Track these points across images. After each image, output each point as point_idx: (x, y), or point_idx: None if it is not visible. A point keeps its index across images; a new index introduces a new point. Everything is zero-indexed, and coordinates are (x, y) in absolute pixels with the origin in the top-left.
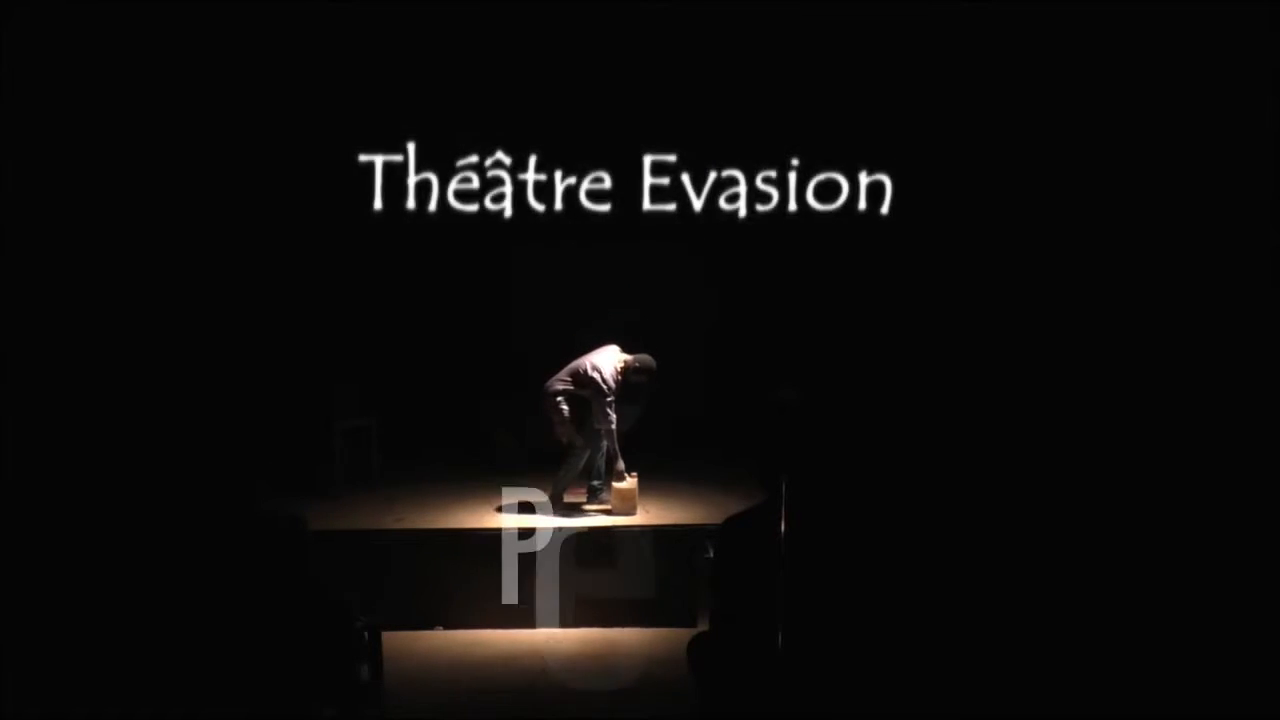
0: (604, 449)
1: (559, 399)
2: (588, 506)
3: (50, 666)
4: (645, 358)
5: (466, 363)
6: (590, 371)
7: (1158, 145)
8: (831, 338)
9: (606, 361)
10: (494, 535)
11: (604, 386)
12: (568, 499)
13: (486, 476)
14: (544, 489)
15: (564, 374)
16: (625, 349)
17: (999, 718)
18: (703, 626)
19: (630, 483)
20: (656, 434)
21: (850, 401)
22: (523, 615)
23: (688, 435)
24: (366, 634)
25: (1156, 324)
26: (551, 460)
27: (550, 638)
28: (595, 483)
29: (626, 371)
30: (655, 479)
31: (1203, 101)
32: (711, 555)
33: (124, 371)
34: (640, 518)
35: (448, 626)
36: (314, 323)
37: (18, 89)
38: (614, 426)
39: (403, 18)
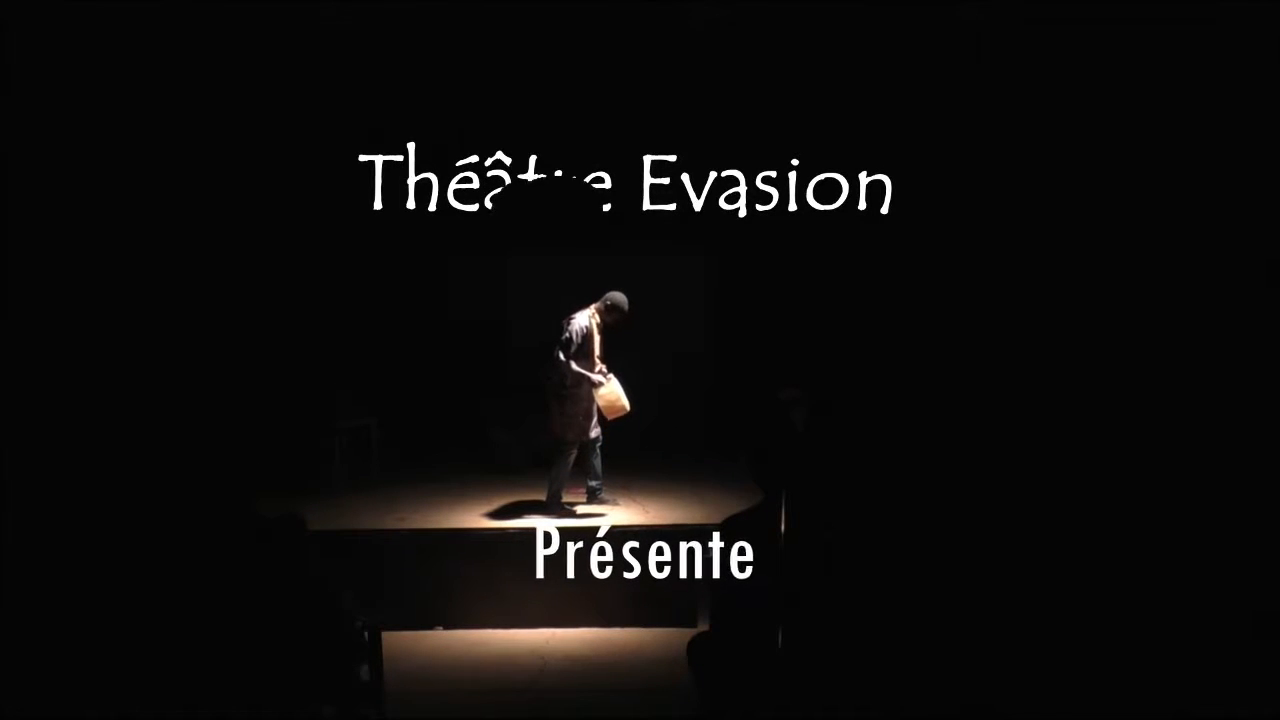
0: (598, 450)
1: (557, 383)
2: (586, 507)
3: (50, 667)
4: (613, 295)
5: (466, 363)
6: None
7: (1155, 142)
8: (832, 338)
9: (578, 314)
10: (494, 535)
11: (568, 331)
12: (566, 499)
13: (486, 476)
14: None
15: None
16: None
17: (999, 718)
18: (703, 626)
19: (608, 386)
20: (658, 434)
21: (851, 401)
22: (523, 615)
23: (688, 435)
24: (366, 634)
25: (1156, 322)
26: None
27: (550, 638)
28: (593, 483)
29: (601, 314)
30: (655, 479)
31: (1200, 100)
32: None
33: (124, 372)
34: (641, 517)
35: (448, 626)
36: (314, 324)
37: (22, 87)
38: (557, 364)
39: (403, 17)
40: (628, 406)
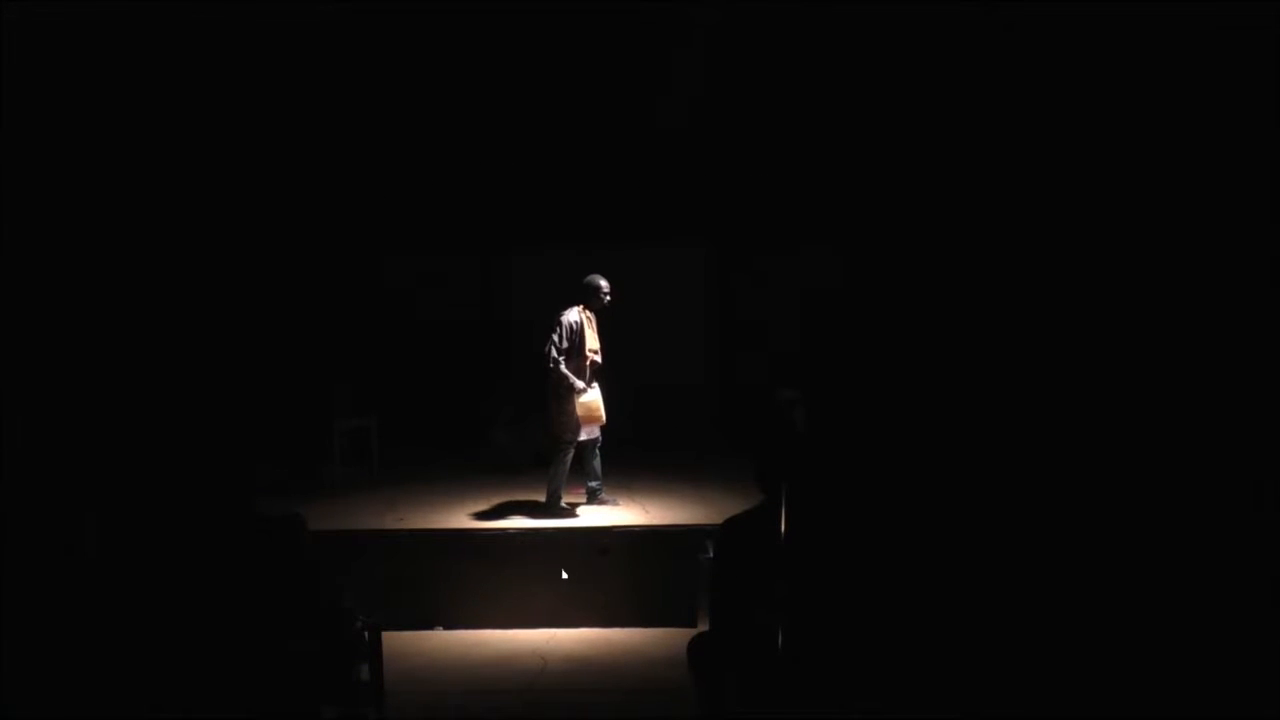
0: (597, 450)
1: (554, 382)
2: (586, 507)
3: (49, 667)
4: (587, 279)
5: (466, 362)
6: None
7: (1153, 142)
8: (832, 338)
9: (568, 311)
10: (494, 535)
11: (558, 329)
12: (566, 499)
13: (486, 476)
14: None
15: None
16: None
17: (999, 718)
18: (703, 626)
19: (590, 394)
20: (659, 434)
21: (850, 401)
22: (523, 615)
23: (688, 435)
24: (366, 634)
25: (1153, 322)
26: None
27: (550, 638)
28: (593, 484)
29: (587, 301)
30: (655, 479)
31: (1195, 105)
32: (711, 555)
33: (127, 371)
34: (641, 517)
35: (448, 626)
36: (314, 323)
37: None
38: (554, 362)
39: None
40: (604, 419)
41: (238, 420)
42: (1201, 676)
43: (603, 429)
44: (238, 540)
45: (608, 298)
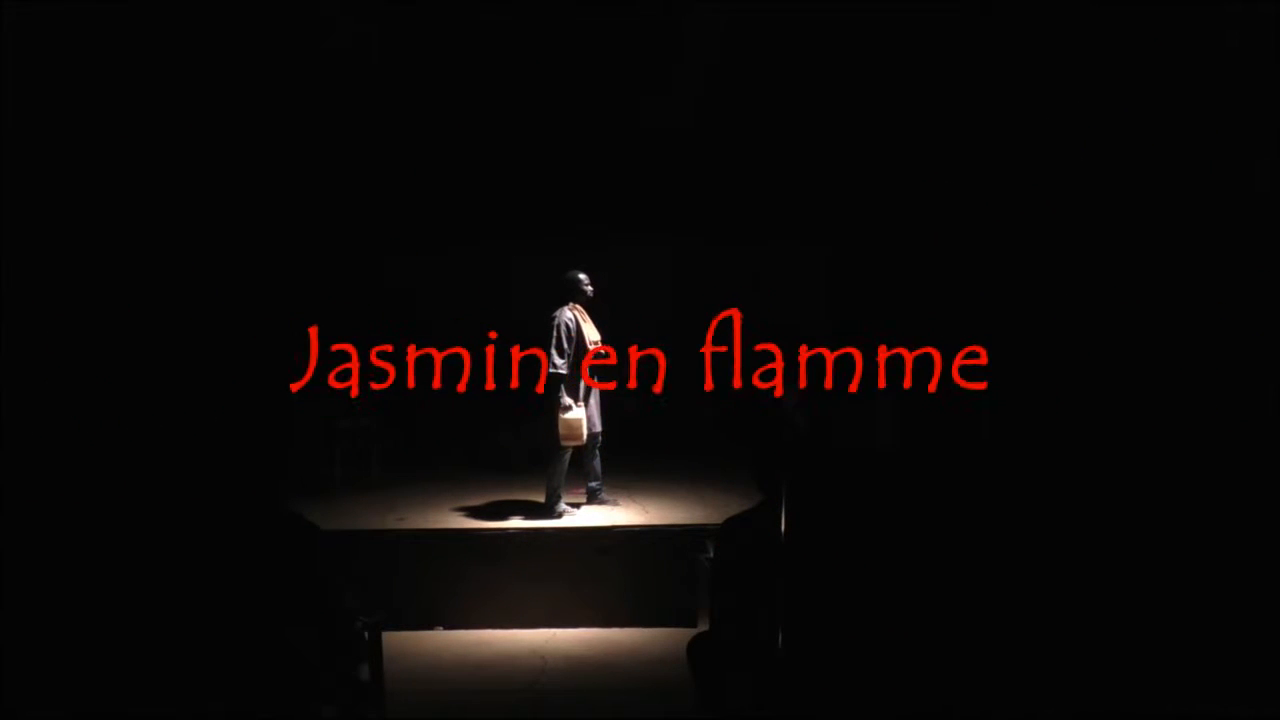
0: (597, 450)
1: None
2: (586, 508)
3: (49, 664)
4: (565, 276)
5: (467, 361)
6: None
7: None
8: (833, 337)
9: (559, 310)
10: (494, 535)
11: (556, 330)
12: (566, 499)
13: (486, 476)
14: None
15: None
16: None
17: (999, 718)
18: (703, 626)
19: (575, 412)
20: (658, 433)
21: (851, 401)
22: (523, 615)
23: (688, 435)
24: (366, 634)
25: (1152, 324)
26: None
27: (550, 638)
28: (593, 484)
29: (574, 297)
30: (655, 479)
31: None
32: (711, 555)
33: (131, 370)
34: (641, 517)
35: (448, 626)
36: (313, 322)
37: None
38: (557, 367)
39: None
40: (583, 439)
41: (253, 422)
42: (1203, 678)
43: (603, 432)
44: (250, 539)
45: (590, 289)
